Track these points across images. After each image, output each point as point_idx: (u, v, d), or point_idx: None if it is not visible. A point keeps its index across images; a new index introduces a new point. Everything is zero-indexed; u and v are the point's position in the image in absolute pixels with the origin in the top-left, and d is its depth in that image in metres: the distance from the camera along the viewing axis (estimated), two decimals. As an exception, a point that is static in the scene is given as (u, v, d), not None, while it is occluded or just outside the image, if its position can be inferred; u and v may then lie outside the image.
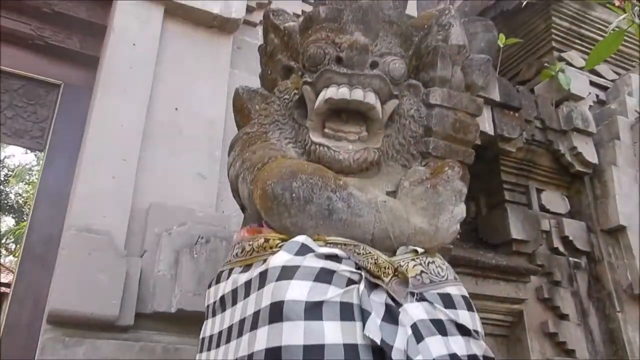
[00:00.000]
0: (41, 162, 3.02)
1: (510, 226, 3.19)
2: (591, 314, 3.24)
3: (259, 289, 1.36)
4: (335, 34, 1.72)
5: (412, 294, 1.39)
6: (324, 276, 1.32)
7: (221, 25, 2.93)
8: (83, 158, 2.52)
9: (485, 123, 2.97)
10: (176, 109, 2.73)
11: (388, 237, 1.46)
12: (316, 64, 1.70)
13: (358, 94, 1.63)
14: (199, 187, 2.69)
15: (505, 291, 3.07)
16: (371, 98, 1.64)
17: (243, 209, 1.82)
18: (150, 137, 2.63)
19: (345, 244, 1.42)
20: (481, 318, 1.60)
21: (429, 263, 1.48)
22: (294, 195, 1.42)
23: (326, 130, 1.70)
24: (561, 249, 3.32)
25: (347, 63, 1.66)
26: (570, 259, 3.32)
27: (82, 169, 2.48)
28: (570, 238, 3.34)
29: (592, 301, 3.29)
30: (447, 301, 1.43)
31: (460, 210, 1.55)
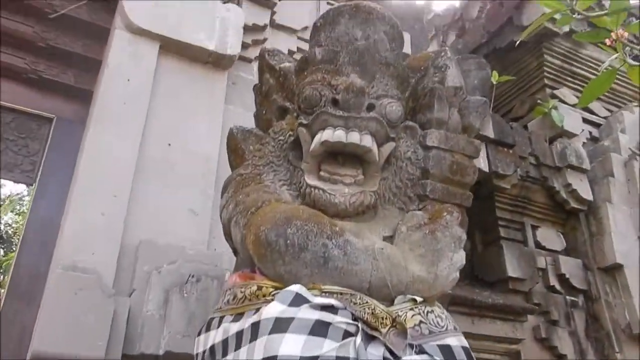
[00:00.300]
0: (32, 194, 2.98)
1: (506, 263, 3.16)
2: (590, 354, 3.18)
3: (250, 342, 1.31)
4: (332, 76, 1.71)
5: (411, 346, 1.34)
6: (320, 329, 1.27)
7: (216, 61, 2.93)
8: (73, 193, 2.48)
9: (480, 160, 2.97)
10: (169, 144, 2.70)
11: (385, 286, 1.41)
12: (312, 105, 1.68)
13: (355, 137, 1.61)
14: (191, 223, 2.65)
15: (502, 331, 3.02)
16: (368, 141, 1.62)
17: (235, 252, 1.77)
18: (142, 173, 2.59)
19: (341, 293, 1.37)
20: (478, 359, 1.55)
21: (427, 312, 1.44)
22: (288, 242, 1.38)
23: (322, 172, 1.67)
24: (558, 287, 3.28)
25: (343, 105, 1.64)
26: (567, 297, 3.27)
27: (71, 204, 2.44)
28: (567, 276, 3.30)
29: (590, 341, 3.23)
30: (447, 353, 1.38)
31: (460, 257, 1.51)
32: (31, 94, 2.98)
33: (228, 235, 1.71)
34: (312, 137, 1.68)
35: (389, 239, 1.59)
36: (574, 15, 1.51)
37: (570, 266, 3.36)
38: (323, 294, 1.37)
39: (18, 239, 2.95)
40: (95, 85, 2.94)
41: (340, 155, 1.67)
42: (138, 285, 2.39)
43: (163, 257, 2.46)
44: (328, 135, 1.62)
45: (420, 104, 1.83)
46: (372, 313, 1.36)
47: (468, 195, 1.83)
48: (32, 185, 2.94)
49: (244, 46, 3.10)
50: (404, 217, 1.64)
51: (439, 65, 1.86)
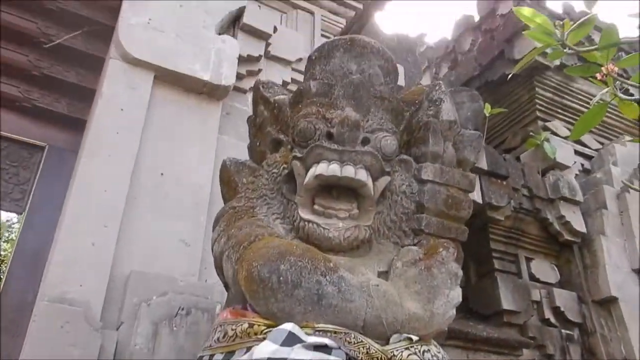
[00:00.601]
0: (21, 222, 2.93)
1: (501, 296, 3.13)
2: (586, 389, 3.13)
3: (242, 382, 1.27)
4: (326, 109, 1.71)
5: (407, 387, 1.31)
6: (313, 370, 1.23)
7: (211, 91, 2.93)
8: (63, 223, 2.44)
9: (474, 192, 2.97)
10: (162, 174, 2.68)
11: (381, 324, 1.38)
12: (306, 139, 1.67)
13: (349, 171, 1.60)
14: (182, 254, 2.60)
15: (498, 365, 2.97)
16: (363, 175, 1.61)
17: (227, 287, 1.73)
18: (133, 203, 2.56)
19: (335, 332, 1.34)
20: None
21: (424, 352, 1.40)
22: (281, 279, 1.35)
23: (316, 206, 1.65)
24: (553, 320, 3.25)
25: (338, 139, 1.64)
26: (563, 331, 3.24)
27: (61, 233, 2.39)
28: (562, 309, 3.27)
29: (586, 376, 3.18)
30: (443, 394, 1.35)
31: (456, 294, 1.48)
32: (24, 122, 2.96)
33: (219, 269, 1.68)
34: (307, 171, 1.66)
35: (384, 274, 1.56)
36: (564, 50, 1.53)
37: (564, 299, 3.33)
38: (317, 332, 1.33)
39: (5, 266, 2.90)
40: (88, 114, 2.93)
41: (334, 189, 1.66)
42: (127, 317, 2.33)
43: (153, 288, 2.40)
44: (322, 169, 1.61)
45: (415, 138, 1.83)
46: (367, 352, 1.33)
47: (463, 229, 1.81)
48: (21, 214, 2.89)
49: (239, 77, 3.11)
50: (399, 252, 1.62)
51: (434, 99, 1.87)
